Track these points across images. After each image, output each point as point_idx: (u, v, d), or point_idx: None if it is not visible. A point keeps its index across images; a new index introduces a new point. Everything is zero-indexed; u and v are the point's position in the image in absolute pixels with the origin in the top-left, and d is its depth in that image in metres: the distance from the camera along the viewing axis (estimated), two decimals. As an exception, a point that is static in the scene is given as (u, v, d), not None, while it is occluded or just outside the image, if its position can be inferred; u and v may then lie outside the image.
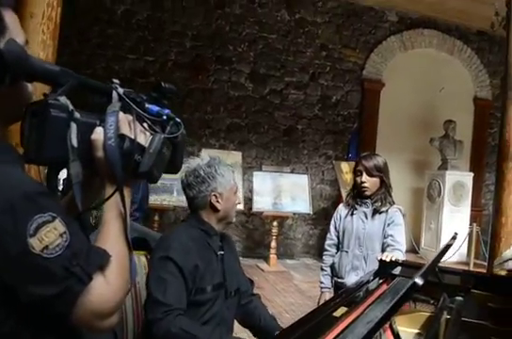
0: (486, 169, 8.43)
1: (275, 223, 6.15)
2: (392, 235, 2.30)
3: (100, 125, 0.79)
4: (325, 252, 2.61)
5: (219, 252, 1.71)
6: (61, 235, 0.68)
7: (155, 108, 0.87)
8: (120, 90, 0.82)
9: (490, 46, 8.45)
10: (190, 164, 1.71)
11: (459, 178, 7.02)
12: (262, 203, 6.20)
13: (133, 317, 1.89)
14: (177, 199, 5.74)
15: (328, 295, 2.52)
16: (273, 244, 6.13)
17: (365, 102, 7.57)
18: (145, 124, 0.85)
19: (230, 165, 1.79)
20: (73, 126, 0.74)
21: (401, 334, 1.17)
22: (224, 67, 6.96)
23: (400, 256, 2.08)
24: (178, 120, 0.90)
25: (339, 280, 2.47)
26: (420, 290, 0.81)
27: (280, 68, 7.25)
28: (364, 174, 2.37)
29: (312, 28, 7.37)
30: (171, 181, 5.74)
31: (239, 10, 7.00)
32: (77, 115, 0.76)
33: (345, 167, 6.53)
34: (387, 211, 2.38)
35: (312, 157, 7.43)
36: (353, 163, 6.80)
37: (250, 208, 6.35)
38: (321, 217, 7.38)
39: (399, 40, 7.75)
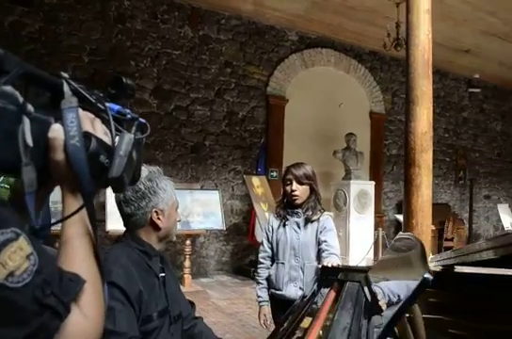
0: (383, 178, 9.02)
1: (188, 242, 5.96)
2: (325, 241, 2.30)
3: (56, 123, 0.63)
4: (259, 265, 2.53)
5: (161, 275, 1.53)
6: (28, 257, 0.52)
7: (115, 107, 0.74)
8: (74, 84, 0.68)
9: (382, 65, 9.14)
10: None
11: (363, 187, 7.41)
12: (173, 222, 5.98)
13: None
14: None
15: (267, 308, 2.45)
16: (187, 263, 5.93)
17: (271, 117, 7.75)
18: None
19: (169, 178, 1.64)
20: (26, 121, 0.58)
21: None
22: (126, 83, 6.71)
23: (336, 260, 2.09)
24: (143, 120, 0.77)
25: (277, 292, 2.40)
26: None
27: (184, 84, 7.17)
28: (294, 183, 2.36)
29: (215, 45, 7.43)
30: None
31: (141, 26, 6.85)
32: (30, 108, 0.59)
33: (256, 181, 6.57)
34: (318, 219, 2.39)
35: (221, 173, 7.39)
36: (263, 177, 6.90)
37: (161, 228, 6.11)
38: (233, 233, 7.34)
39: (300, 58, 8.09)
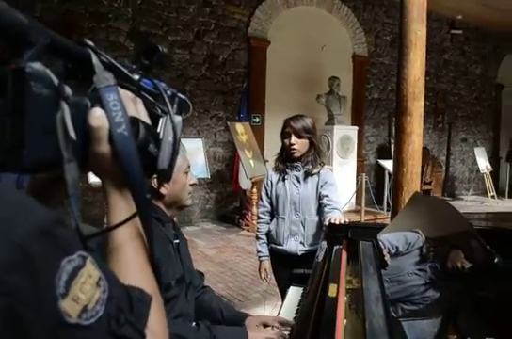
0: (365, 122, 9.01)
1: (172, 190, 5.92)
2: (327, 195, 2.28)
3: (93, 106, 0.51)
4: (259, 220, 2.51)
5: (175, 241, 1.48)
6: (98, 284, 0.43)
7: (155, 82, 0.62)
8: (105, 54, 0.54)
9: (365, 5, 8.80)
10: None
11: (346, 132, 7.40)
12: (157, 171, 5.90)
13: None
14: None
15: (268, 263, 2.47)
16: (172, 211, 5.93)
17: (252, 60, 7.49)
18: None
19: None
20: (66, 108, 0.46)
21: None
22: (100, 24, 6.33)
23: (340, 215, 2.07)
24: (182, 96, 0.65)
25: (277, 246, 2.40)
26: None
27: (162, 25, 6.80)
28: (293, 136, 2.28)
29: (193, -18, 6.99)
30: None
31: (111, -39, 6.34)
32: (68, 91, 0.47)
33: (240, 128, 6.46)
34: (318, 173, 2.35)
35: (202, 120, 7.24)
36: (247, 124, 6.77)
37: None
38: (216, 180, 7.33)
39: (282, -4, 7.70)
